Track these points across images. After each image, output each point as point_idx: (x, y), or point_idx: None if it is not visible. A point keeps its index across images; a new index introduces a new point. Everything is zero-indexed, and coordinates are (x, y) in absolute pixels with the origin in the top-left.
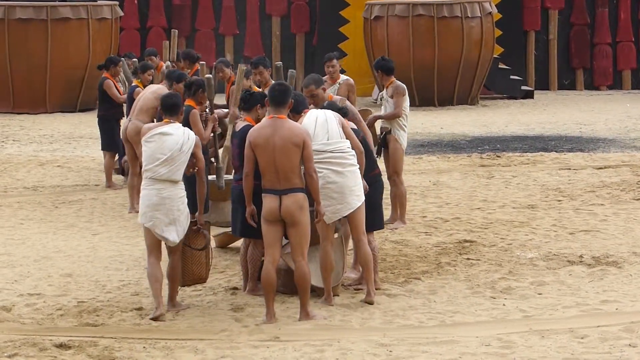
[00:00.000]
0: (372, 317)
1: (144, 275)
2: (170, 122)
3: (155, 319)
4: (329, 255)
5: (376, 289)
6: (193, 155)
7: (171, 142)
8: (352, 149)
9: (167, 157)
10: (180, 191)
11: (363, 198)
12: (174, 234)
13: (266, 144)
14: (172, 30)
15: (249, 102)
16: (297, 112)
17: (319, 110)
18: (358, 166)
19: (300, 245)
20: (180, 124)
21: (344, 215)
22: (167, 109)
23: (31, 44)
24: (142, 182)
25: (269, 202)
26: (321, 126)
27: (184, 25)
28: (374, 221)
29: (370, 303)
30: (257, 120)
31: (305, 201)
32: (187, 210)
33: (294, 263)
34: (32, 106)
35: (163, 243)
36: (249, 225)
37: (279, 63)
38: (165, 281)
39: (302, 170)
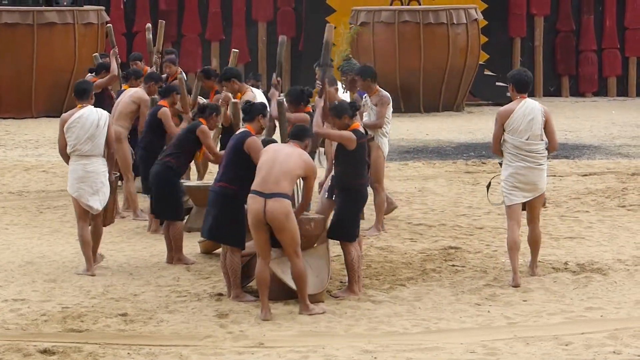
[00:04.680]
0: (357, 323)
1: (128, 280)
2: (83, 106)
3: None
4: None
5: (354, 295)
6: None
7: (89, 122)
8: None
9: (89, 134)
10: (102, 166)
11: (544, 189)
12: (98, 203)
13: (276, 145)
14: (159, 20)
15: (250, 113)
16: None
17: (534, 105)
18: (546, 164)
19: (291, 246)
20: (92, 106)
21: (520, 200)
22: (79, 94)
23: (17, 48)
24: (70, 159)
25: (252, 203)
26: (529, 123)
27: (170, 30)
28: (351, 230)
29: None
30: (260, 130)
31: (290, 208)
32: (108, 183)
33: (290, 262)
34: (17, 111)
35: None
36: (219, 229)
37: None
38: None
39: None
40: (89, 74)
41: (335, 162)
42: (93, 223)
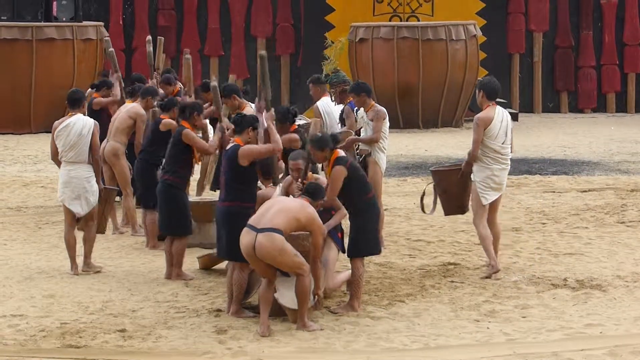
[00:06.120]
0: (356, 339)
1: (127, 296)
2: (74, 114)
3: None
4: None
5: (354, 311)
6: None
7: (74, 131)
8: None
9: (72, 142)
10: (87, 172)
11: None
12: (79, 207)
13: (283, 197)
14: (157, 37)
15: (241, 125)
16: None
17: (504, 111)
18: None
19: (293, 271)
20: (82, 115)
21: (494, 199)
22: (71, 103)
23: (16, 64)
24: (61, 165)
25: (244, 236)
26: (504, 128)
27: (169, 46)
28: (368, 245)
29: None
30: (247, 143)
31: (284, 242)
32: (94, 188)
33: (296, 279)
34: (16, 126)
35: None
36: (233, 247)
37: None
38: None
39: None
40: (90, 89)
41: (339, 193)
42: (85, 228)
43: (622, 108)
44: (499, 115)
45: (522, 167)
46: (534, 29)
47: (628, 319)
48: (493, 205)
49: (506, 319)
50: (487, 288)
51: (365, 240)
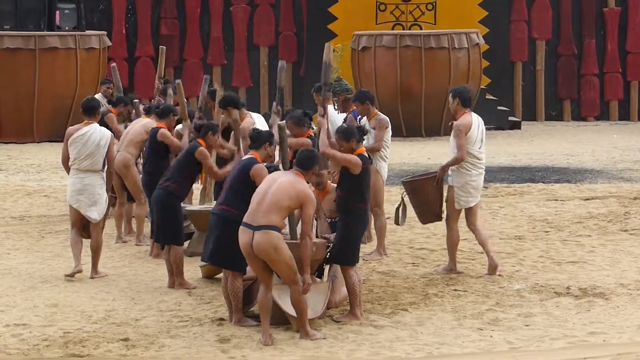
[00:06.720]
0: (359, 348)
1: (130, 305)
2: (90, 123)
3: (72, 275)
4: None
5: (356, 320)
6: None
7: (91, 141)
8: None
9: (89, 152)
10: (100, 179)
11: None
12: (95, 213)
13: (276, 173)
14: (160, 46)
15: (258, 141)
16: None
17: (479, 118)
18: None
19: (288, 276)
20: (97, 124)
21: (471, 206)
22: (86, 111)
23: (19, 73)
24: (70, 172)
25: (241, 235)
26: (481, 134)
27: (172, 55)
28: (353, 255)
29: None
30: (266, 158)
31: (280, 240)
32: (105, 195)
33: (290, 289)
34: (19, 135)
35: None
36: (218, 253)
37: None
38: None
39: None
40: (106, 102)
41: (339, 186)
42: (93, 235)
43: (625, 116)
44: (476, 121)
45: (525, 175)
46: (537, 37)
47: (631, 327)
48: (472, 212)
49: (509, 328)
50: (490, 296)
51: (353, 250)
